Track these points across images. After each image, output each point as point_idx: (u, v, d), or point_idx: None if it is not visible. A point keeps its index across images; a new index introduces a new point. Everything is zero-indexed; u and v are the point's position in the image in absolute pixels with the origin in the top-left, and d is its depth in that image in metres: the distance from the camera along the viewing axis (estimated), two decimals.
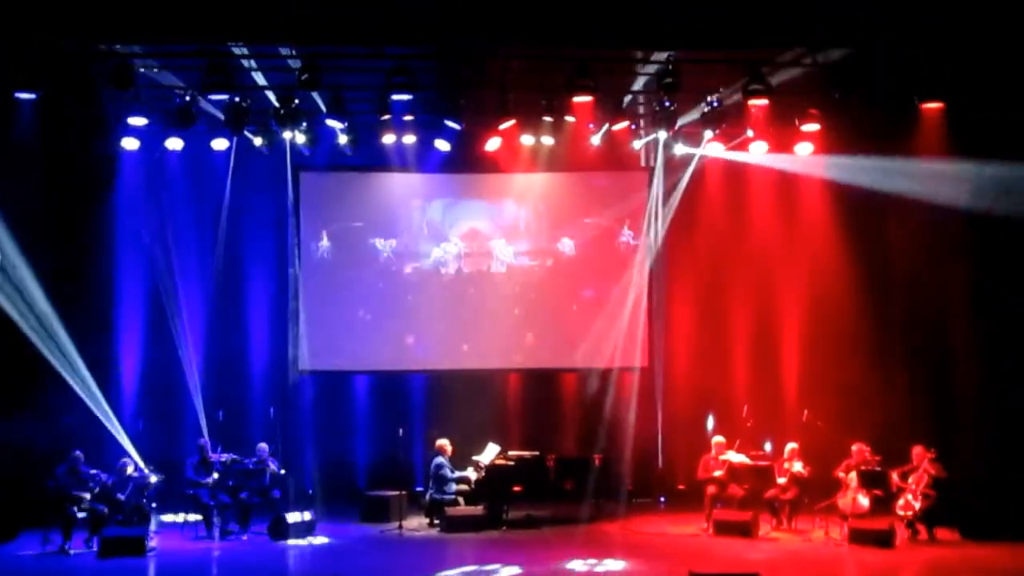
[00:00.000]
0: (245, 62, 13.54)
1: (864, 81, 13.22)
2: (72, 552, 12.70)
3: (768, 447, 15.16)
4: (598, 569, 11.85)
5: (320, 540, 13.49)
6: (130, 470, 13.51)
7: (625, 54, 13.84)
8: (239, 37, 12.69)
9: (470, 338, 16.63)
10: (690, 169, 16.26)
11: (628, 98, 14.71)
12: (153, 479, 13.50)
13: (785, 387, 16.06)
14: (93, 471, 13.34)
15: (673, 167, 16.41)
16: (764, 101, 13.63)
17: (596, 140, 15.46)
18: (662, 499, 16.20)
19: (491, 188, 16.85)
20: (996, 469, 13.88)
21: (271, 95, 14.32)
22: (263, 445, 14.26)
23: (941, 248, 14.94)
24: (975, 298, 14.62)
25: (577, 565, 11.96)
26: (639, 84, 14.47)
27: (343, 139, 15.21)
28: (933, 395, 14.99)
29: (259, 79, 14.16)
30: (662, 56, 13.41)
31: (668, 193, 16.52)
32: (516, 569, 11.72)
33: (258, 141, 15.30)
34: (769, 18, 12.14)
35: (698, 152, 15.92)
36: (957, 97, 13.22)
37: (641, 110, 15.52)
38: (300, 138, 15.13)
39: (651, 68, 13.90)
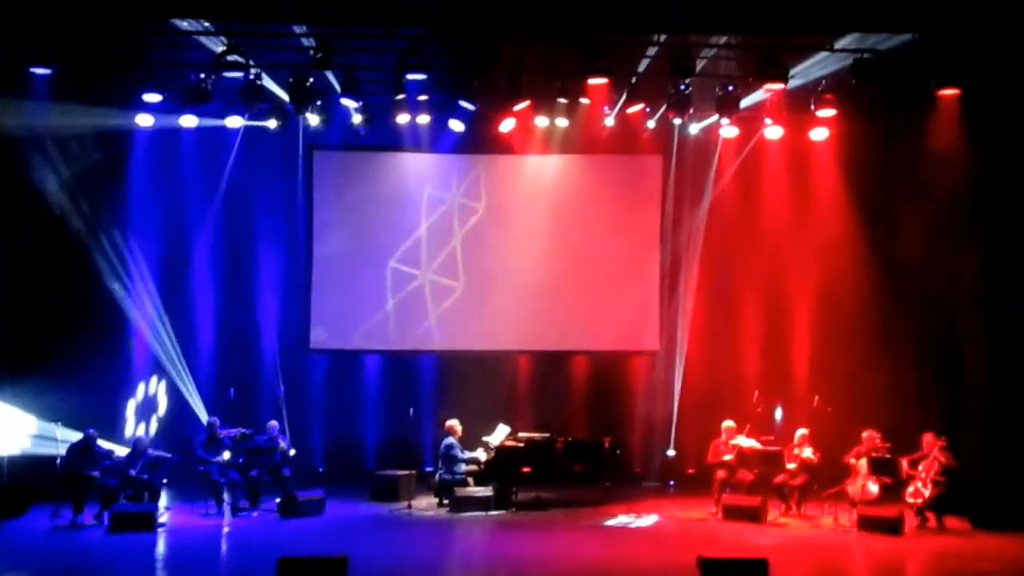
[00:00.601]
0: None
1: (882, 69, 13.13)
2: (82, 526, 12.82)
3: (779, 414, 15.22)
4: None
5: (329, 518, 13.55)
6: (143, 443, 13.59)
7: (639, 37, 13.73)
8: (252, 17, 12.64)
9: (482, 319, 16.58)
10: (713, 159, 16.22)
11: (642, 81, 14.59)
12: (162, 455, 13.60)
13: (796, 373, 16.02)
14: (107, 448, 13.42)
15: (687, 151, 16.35)
16: (780, 85, 13.55)
17: (610, 121, 15.40)
18: (671, 483, 16.20)
19: (505, 169, 16.79)
20: (1007, 458, 13.86)
21: (270, 81, 14.27)
22: (273, 423, 14.34)
23: (951, 237, 14.91)
24: (985, 287, 14.58)
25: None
26: (653, 67, 14.37)
27: (357, 118, 15.18)
28: (943, 383, 15.00)
29: (273, 59, 14.12)
30: (676, 39, 13.32)
31: (682, 177, 16.48)
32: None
33: (272, 123, 15.27)
34: (787, 4, 12.04)
35: (720, 130, 15.77)
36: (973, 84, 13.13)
37: (656, 92, 15.40)
38: (314, 118, 15.10)
39: (666, 51, 13.81)
